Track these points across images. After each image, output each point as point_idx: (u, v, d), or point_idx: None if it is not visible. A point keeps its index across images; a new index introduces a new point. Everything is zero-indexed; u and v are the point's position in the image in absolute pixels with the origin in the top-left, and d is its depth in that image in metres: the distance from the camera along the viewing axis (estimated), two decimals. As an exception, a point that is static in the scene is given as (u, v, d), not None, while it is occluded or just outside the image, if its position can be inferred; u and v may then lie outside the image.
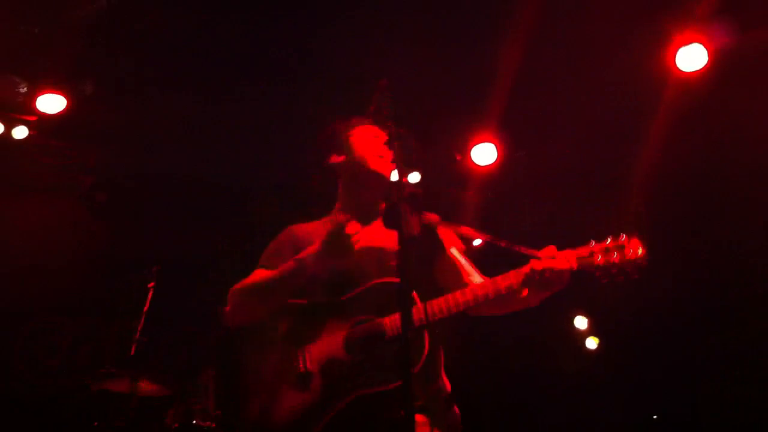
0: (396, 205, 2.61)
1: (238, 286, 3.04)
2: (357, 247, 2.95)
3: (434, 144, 6.90)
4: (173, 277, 5.97)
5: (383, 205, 3.28)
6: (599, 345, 9.63)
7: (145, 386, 5.55)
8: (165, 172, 7.60)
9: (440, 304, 2.76)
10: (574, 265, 2.74)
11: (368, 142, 3.22)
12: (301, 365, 2.82)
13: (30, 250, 7.56)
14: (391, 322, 2.73)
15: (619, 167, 6.73)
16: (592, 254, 2.74)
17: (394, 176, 3.12)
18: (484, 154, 6.94)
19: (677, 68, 5.65)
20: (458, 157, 7.09)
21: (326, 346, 2.83)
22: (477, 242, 4.57)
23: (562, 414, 8.81)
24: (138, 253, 7.16)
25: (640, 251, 2.71)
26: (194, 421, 5.70)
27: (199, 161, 7.44)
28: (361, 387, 2.70)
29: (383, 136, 3.20)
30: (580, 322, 9.69)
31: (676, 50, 5.61)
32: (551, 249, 2.77)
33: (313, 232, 3.14)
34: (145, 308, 5.67)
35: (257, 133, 7.05)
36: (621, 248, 2.72)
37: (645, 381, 8.68)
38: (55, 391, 7.50)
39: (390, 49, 5.51)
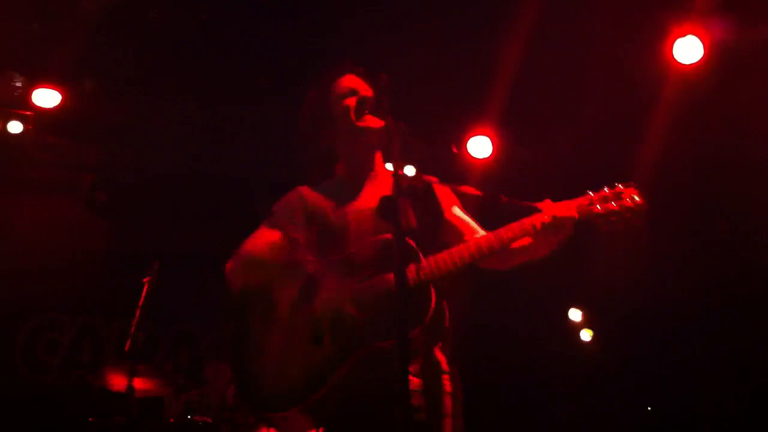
0: (393, 198, 2.60)
1: (242, 250, 3.05)
2: (363, 207, 3.01)
3: (431, 137, 6.90)
4: (173, 274, 5.96)
5: (378, 154, 3.26)
6: (593, 337, 9.65)
7: (144, 381, 5.54)
8: (165, 169, 7.58)
9: (444, 258, 2.75)
10: (575, 214, 2.76)
11: (349, 103, 3.18)
12: (309, 326, 2.81)
13: (30, 247, 7.54)
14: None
15: (617, 159, 6.73)
16: (591, 203, 2.78)
17: (390, 167, 3.12)
18: (481, 147, 6.94)
19: (675, 61, 5.65)
20: (455, 150, 7.08)
21: (334, 300, 2.82)
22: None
23: (557, 406, 8.83)
24: (138, 251, 7.15)
25: (637, 198, 2.75)
26: (189, 416, 5.70)
27: (199, 158, 7.42)
28: (371, 341, 2.70)
29: (362, 85, 3.20)
30: (575, 315, 9.71)
31: (673, 43, 5.60)
32: (547, 202, 2.80)
33: (320, 199, 3.14)
34: (140, 302, 5.65)
35: (257, 130, 7.03)
36: (618, 196, 2.76)
37: (640, 373, 8.70)
38: (56, 388, 7.48)
39: (388, 42, 5.50)
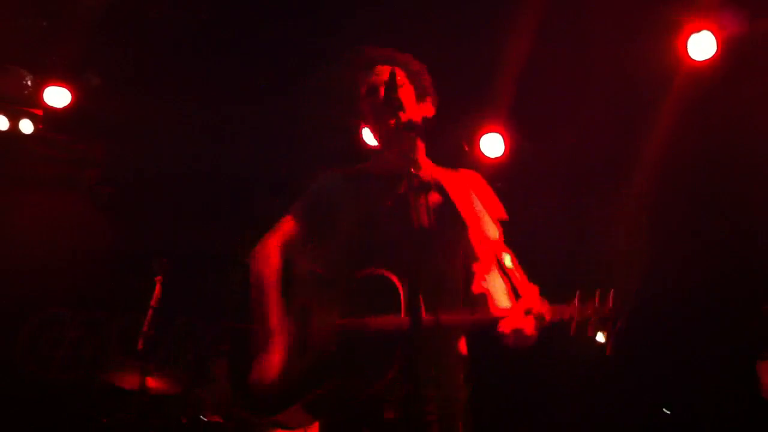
0: (406, 195, 2.58)
1: (261, 241, 3.08)
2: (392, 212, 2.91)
3: (442, 135, 6.84)
4: (180, 270, 5.95)
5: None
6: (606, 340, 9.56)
7: (154, 380, 5.54)
8: (169, 167, 7.56)
9: (434, 320, 2.68)
10: (547, 319, 2.66)
11: (377, 103, 3.07)
12: (300, 339, 2.83)
13: (33, 243, 7.53)
14: (376, 323, 2.69)
15: (629, 157, 6.68)
16: (570, 319, 2.65)
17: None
18: (493, 145, 6.89)
19: (688, 57, 5.59)
20: (466, 149, 7.04)
21: (324, 326, 2.81)
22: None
23: (570, 408, 8.77)
24: (143, 246, 7.16)
25: (619, 325, 2.61)
26: (201, 416, 5.71)
27: (203, 157, 7.40)
28: (338, 380, 2.70)
29: (381, 74, 3.07)
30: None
31: (687, 39, 5.55)
32: (533, 295, 2.70)
33: (354, 193, 3.09)
34: (153, 302, 5.65)
35: (263, 129, 7.01)
36: (602, 322, 2.61)
37: (655, 375, 8.62)
38: (61, 384, 7.48)
39: (397, 40, 5.47)
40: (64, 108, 6.56)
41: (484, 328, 2.73)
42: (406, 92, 3.04)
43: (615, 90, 6.20)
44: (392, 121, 2.87)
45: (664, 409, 8.91)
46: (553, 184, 7.38)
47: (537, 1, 5.49)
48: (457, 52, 6.00)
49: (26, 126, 6.80)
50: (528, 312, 2.66)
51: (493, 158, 6.98)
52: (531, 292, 2.73)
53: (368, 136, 6.45)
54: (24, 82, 6.46)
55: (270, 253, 3.06)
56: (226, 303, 5.91)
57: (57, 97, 6.49)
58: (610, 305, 2.63)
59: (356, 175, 3.19)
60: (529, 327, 2.63)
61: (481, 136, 6.94)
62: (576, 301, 2.66)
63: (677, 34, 5.62)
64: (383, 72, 3.08)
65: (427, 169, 3.15)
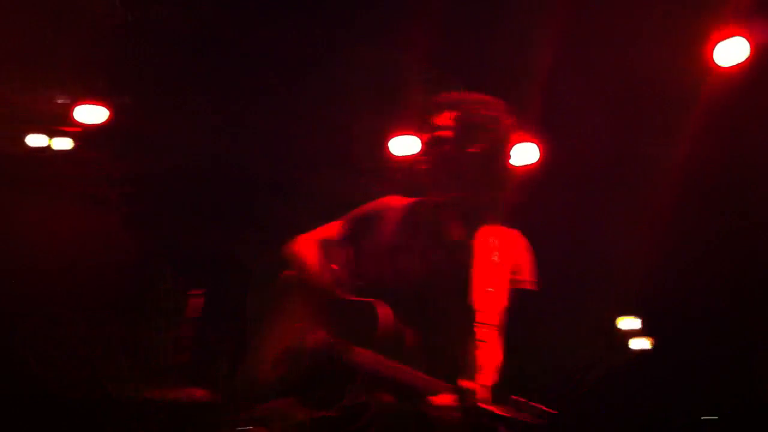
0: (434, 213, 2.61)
1: (302, 237, 3.07)
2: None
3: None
4: (191, 276, 5.94)
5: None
6: (652, 346, 9.44)
7: (192, 394, 5.58)
8: (173, 166, 7.52)
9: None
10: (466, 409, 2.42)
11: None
12: (283, 347, 2.85)
13: (40, 244, 7.49)
14: (334, 347, 2.68)
15: (656, 164, 6.65)
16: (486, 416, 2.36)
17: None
18: (521, 153, 6.85)
19: (716, 63, 5.56)
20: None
21: (307, 338, 2.80)
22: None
23: (570, 408, 8.68)
24: (152, 250, 7.19)
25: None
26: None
27: (207, 155, 7.36)
28: (301, 397, 2.71)
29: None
30: (631, 323, 9.47)
31: (716, 45, 5.51)
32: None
33: (389, 223, 3.04)
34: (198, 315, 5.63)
35: (264, 126, 7.00)
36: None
37: (697, 382, 8.53)
38: (65, 387, 7.47)
39: (416, 46, 5.49)
40: (100, 125, 6.63)
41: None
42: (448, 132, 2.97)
43: (644, 95, 6.18)
44: (426, 137, 3.00)
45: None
46: (582, 189, 7.35)
47: (563, 10, 5.47)
48: (481, 59, 6.01)
49: (60, 143, 6.90)
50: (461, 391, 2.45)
51: (523, 166, 6.96)
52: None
53: (394, 147, 6.57)
54: (58, 102, 6.55)
55: (308, 244, 3.05)
56: (229, 306, 5.91)
57: (91, 114, 6.57)
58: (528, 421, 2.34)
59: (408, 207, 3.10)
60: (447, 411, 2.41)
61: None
62: (505, 405, 2.40)
63: (706, 40, 5.58)
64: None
65: (470, 205, 2.99)
